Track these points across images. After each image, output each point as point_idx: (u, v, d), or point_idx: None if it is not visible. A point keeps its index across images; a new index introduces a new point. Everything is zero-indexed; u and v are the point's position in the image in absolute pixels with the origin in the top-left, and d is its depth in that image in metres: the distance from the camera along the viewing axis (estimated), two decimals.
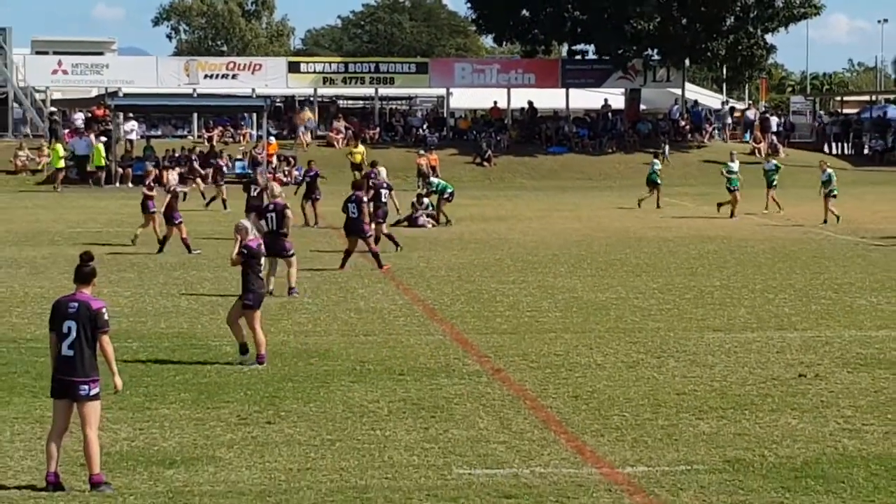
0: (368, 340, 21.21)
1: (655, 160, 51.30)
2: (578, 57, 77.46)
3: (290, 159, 61.69)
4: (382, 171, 37.45)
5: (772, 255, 33.33)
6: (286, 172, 60.94)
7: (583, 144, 70.43)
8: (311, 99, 73.55)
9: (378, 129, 72.21)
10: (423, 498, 12.57)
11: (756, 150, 71.23)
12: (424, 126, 72.99)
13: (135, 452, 14.29)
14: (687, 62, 75.03)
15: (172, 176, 39.89)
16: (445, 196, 42.02)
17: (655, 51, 73.70)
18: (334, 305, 24.85)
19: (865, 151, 75.45)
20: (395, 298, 25.74)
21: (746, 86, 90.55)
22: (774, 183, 46.80)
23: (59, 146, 61.91)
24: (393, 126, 73.68)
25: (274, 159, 62.53)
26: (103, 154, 62.04)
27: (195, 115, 71.10)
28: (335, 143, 68.69)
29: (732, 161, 47.16)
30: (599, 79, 74.45)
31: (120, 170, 61.80)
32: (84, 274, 13.15)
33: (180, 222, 33.00)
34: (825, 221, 41.62)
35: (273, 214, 26.21)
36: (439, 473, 13.44)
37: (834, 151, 75.34)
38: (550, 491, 12.79)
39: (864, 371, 18.67)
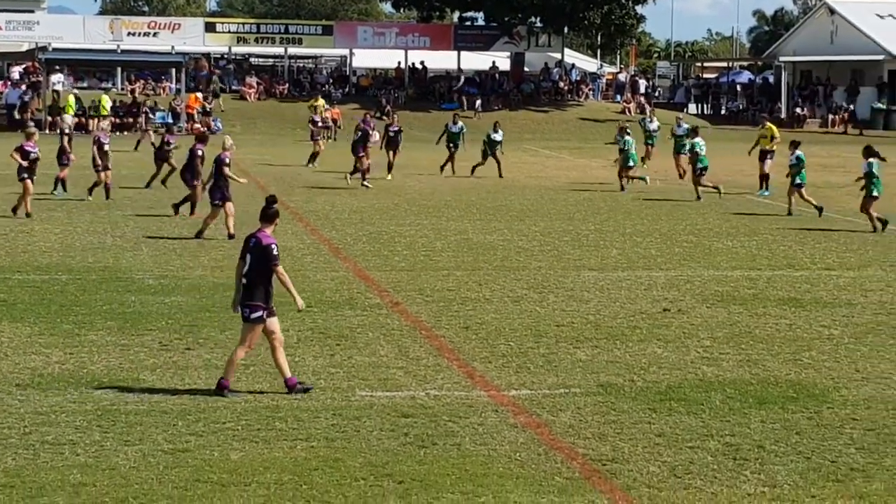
0: None
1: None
2: (469, 23, 77.49)
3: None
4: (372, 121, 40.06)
5: (639, 204, 33.58)
6: (204, 124, 60.29)
7: (472, 102, 70.40)
8: (226, 57, 72.83)
9: (287, 85, 71.68)
10: (329, 417, 12.55)
11: (626, 109, 71.74)
12: (329, 83, 72.58)
13: (65, 374, 14.11)
14: (566, 29, 75.18)
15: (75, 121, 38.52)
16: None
17: (538, 18, 73.86)
18: None
19: (722, 112, 76.27)
20: (303, 238, 25.59)
21: (618, 52, 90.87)
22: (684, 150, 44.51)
23: None
24: (300, 82, 73.19)
25: (195, 112, 61.75)
26: (73, 105, 61.09)
27: (119, 69, 70.17)
28: (248, 97, 68.21)
29: (651, 121, 46.75)
30: (488, 43, 74.42)
31: (49, 118, 60.69)
32: (267, 214, 13.86)
33: (99, 169, 31.78)
34: (681, 176, 40.61)
35: (214, 165, 25.49)
36: (344, 395, 13.43)
37: (695, 111, 76.07)
38: (444, 411, 12.83)
39: (721, 306, 18.89)
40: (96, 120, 57.68)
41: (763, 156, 37.01)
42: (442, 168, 41.72)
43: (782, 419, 12.70)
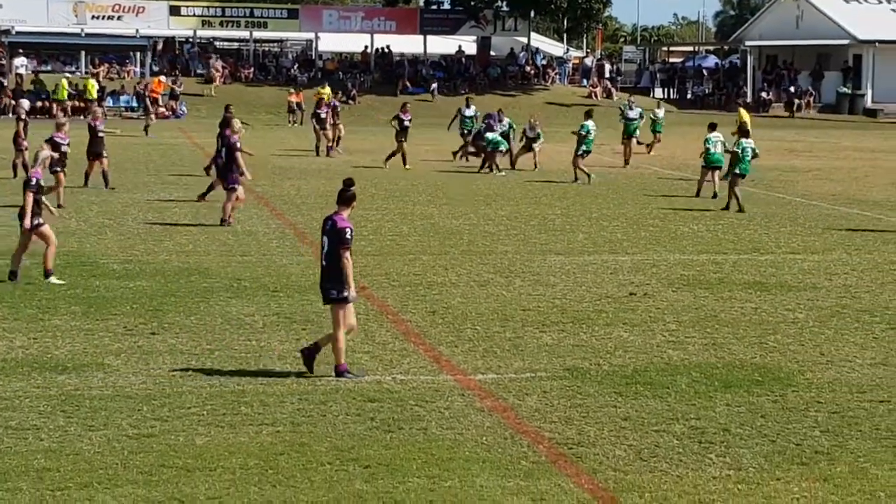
0: (245, 260, 21.02)
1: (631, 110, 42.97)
2: (435, 6, 77.39)
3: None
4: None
5: (606, 188, 33.64)
6: (170, 108, 60.18)
7: (439, 86, 70.38)
8: (191, 40, 72.50)
9: (252, 69, 71.42)
10: (294, 402, 12.52)
11: (593, 94, 71.88)
12: (295, 67, 72.37)
13: (29, 359, 14.03)
14: (532, 13, 75.18)
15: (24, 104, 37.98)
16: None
17: (504, 2, 73.89)
18: (213, 228, 24.57)
19: (688, 96, 76.47)
20: (269, 222, 25.52)
21: (585, 36, 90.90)
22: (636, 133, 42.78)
23: None
24: (266, 66, 72.96)
25: (159, 96, 61.47)
26: (66, 88, 60.79)
27: (83, 53, 69.70)
28: (213, 81, 67.99)
29: (659, 108, 46.60)
30: (454, 27, 74.38)
31: (12, 101, 60.29)
32: (345, 197, 13.85)
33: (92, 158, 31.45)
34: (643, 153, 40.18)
35: (225, 150, 25.08)
36: (310, 380, 13.39)
37: (660, 96, 76.24)
38: (410, 395, 12.82)
39: (687, 290, 18.95)
40: (56, 104, 57.51)
41: None
42: (455, 154, 40.44)
43: (747, 402, 12.76)
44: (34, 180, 18.80)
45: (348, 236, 13.50)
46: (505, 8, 73.86)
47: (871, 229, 26.11)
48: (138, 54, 68.95)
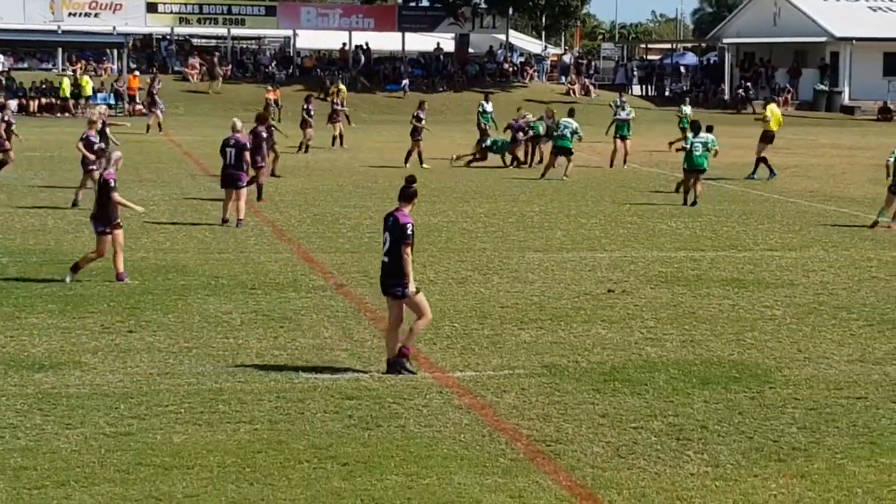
0: (222, 257, 20.98)
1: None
2: (413, 4, 77.31)
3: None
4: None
5: (584, 185, 33.68)
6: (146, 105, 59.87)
7: (399, 80, 70.49)
8: (168, 37, 72.32)
9: (230, 67, 71.27)
10: (272, 399, 12.50)
11: (571, 91, 71.98)
12: (273, 64, 72.23)
13: (6, 358, 13.97)
14: (511, 10, 75.21)
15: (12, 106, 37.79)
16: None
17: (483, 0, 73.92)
18: (190, 225, 24.52)
19: (667, 93, 76.58)
20: (247, 219, 25.44)
21: (563, 33, 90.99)
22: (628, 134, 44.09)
23: None
24: (244, 63, 72.80)
25: (136, 93, 61.34)
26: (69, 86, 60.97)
27: (60, 50, 69.46)
28: (191, 78, 67.79)
29: (685, 105, 46.53)
30: (432, 24, 74.38)
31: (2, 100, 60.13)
32: (406, 193, 13.88)
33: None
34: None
35: (233, 150, 24.43)
36: (287, 377, 13.38)
37: (639, 93, 76.43)
38: (388, 393, 12.82)
39: (665, 287, 18.99)
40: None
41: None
42: (461, 159, 39.67)
43: (725, 399, 12.79)
44: (112, 182, 18.71)
45: (409, 232, 13.62)
46: (483, 5, 73.91)
47: (848, 226, 26.19)
48: (115, 51, 68.70)
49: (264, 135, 28.61)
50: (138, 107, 59.60)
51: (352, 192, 30.59)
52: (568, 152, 35.23)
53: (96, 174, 26.01)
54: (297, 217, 26.10)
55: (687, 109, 45.76)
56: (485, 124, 41.95)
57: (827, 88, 72.41)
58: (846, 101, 72.14)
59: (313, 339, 15.13)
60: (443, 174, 35.73)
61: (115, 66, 67.67)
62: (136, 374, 13.39)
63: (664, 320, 16.58)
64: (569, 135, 35.34)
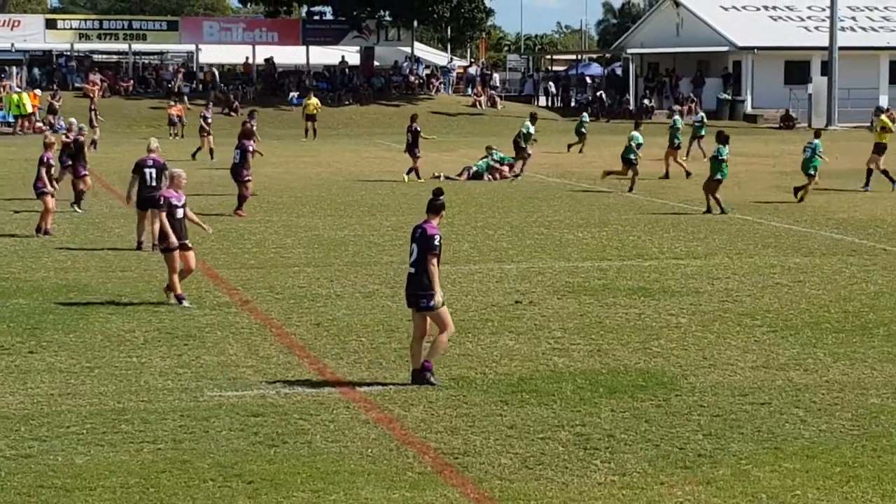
0: (125, 276, 20.77)
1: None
2: (317, 17, 77.25)
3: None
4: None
5: (491, 197, 33.80)
6: (47, 122, 59.24)
7: (322, 97, 70.27)
8: (68, 53, 71.56)
9: (132, 82, 70.71)
10: (176, 419, 12.38)
11: (477, 103, 72.28)
12: (178, 78, 71.72)
13: None
14: (416, 23, 75.38)
15: None
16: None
17: (387, 12, 73.96)
18: (92, 244, 24.24)
19: (572, 104, 77.12)
20: (150, 237, 25.18)
21: (469, 45, 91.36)
22: (702, 133, 45.23)
23: None
24: (146, 79, 72.27)
25: (37, 110, 60.62)
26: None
27: None
28: (91, 94, 67.14)
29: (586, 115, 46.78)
30: (337, 37, 74.41)
31: None
32: (434, 206, 14.06)
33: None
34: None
35: (152, 170, 23.96)
36: (192, 396, 13.26)
37: (545, 104, 76.93)
38: (295, 409, 12.76)
39: (572, 297, 19.10)
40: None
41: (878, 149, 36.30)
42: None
43: (632, 408, 12.88)
44: (162, 200, 18.54)
45: (437, 243, 13.73)
46: (388, 18, 74.04)
47: (751, 234, 26.53)
48: (14, 68, 67.87)
49: (251, 149, 29.49)
50: (38, 124, 58.85)
51: (257, 206, 30.41)
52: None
53: (49, 200, 25.61)
54: (200, 233, 25.79)
55: (680, 120, 44.23)
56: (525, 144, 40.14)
57: (730, 97, 73.39)
58: (749, 109, 73.16)
59: (218, 357, 15.02)
60: (350, 188, 35.66)
61: (13, 84, 66.82)
62: (37, 395, 13.20)
63: (571, 330, 16.68)
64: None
